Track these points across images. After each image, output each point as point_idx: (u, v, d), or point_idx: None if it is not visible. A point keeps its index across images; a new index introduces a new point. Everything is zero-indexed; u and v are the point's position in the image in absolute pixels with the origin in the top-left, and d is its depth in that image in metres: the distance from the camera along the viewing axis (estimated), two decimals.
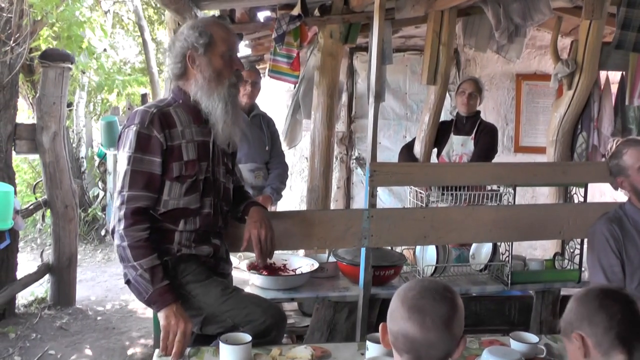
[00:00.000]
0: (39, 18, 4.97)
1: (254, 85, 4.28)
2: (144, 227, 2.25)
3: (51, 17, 5.09)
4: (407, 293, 1.54)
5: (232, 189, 2.67)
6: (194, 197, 2.38)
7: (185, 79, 2.42)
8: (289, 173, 4.52)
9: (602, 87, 4.47)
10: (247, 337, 2.10)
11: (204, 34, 2.35)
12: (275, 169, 4.35)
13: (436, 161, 4.69)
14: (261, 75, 4.50)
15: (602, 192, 5.47)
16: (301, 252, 4.17)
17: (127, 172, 2.27)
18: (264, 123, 4.38)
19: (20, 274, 5.14)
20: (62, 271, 5.45)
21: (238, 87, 2.48)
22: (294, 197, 6.57)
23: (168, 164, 2.32)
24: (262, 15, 5.35)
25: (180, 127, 2.36)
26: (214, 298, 2.31)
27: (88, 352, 4.52)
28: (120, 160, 2.32)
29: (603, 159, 4.36)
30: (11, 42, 4.78)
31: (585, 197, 3.37)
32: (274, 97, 6.59)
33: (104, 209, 8.68)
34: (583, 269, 3.39)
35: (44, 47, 5.59)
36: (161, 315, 2.19)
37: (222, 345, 2.04)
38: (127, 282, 2.35)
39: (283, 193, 4.41)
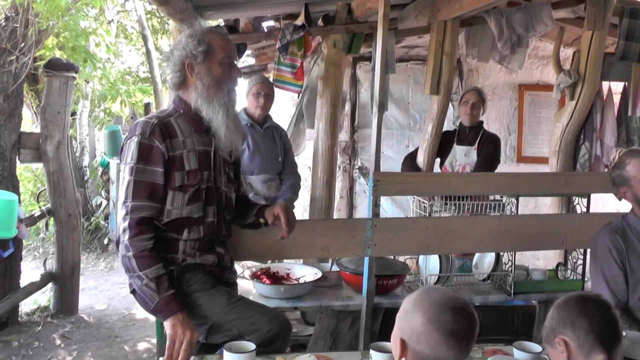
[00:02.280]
0: (44, 28, 4.99)
1: (267, 97, 4.32)
2: (149, 237, 2.26)
3: (57, 27, 5.11)
4: (439, 317, 1.54)
5: (239, 199, 2.69)
6: (196, 206, 2.39)
7: (185, 87, 2.45)
8: (300, 183, 4.55)
9: (604, 97, 4.48)
10: (251, 346, 2.10)
11: (202, 42, 2.38)
12: (287, 179, 4.39)
13: (439, 171, 4.70)
14: (275, 87, 4.53)
15: (605, 203, 5.48)
16: (300, 261, 4.18)
17: (130, 182, 2.29)
18: (276, 134, 4.42)
19: (23, 282, 5.15)
20: (65, 280, 5.46)
21: (235, 92, 2.49)
22: (296, 207, 6.57)
23: (170, 174, 2.34)
24: (266, 25, 5.39)
25: (182, 137, 2.38)
26: (219, 307, 2.32)
27: None
28: (122, 171, 2.34)
29: (606, 170, 4.36)
30: (16, 51, 4.81)
31: (587, 207, 3.38)
32: (278, 107, 6.60)
33: (106, 218, 8.69)
34: (586, 279, 3.39)
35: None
36: (167, 324, 2.19)
37: (226, 354, 2.04)
38: (133, 291, 2.36)
39: (295, 203, 4.43)
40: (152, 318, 4.83)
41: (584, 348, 1.70)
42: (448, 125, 5.09)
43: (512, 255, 3.36)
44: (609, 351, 1.70)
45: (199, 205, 2.40)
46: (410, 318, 1.59)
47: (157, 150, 2.30)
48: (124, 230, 2.25)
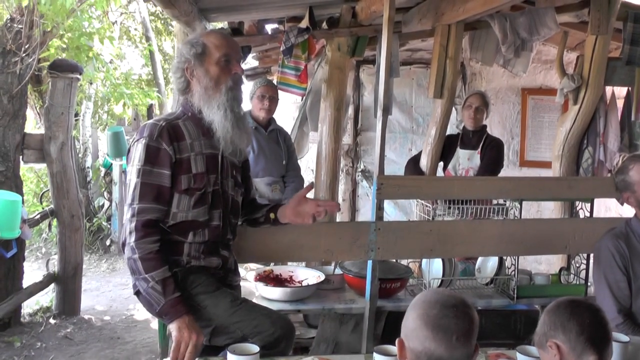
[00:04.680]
0: (49, 29, 5.00)
1: (271, 100, 4.33)
2: (155, 240, 2.26)
3: (61, 28, 5.12)
4: (428, 312, 1.56)
5: (248, 201, 2.71)
6: (202, 209, 2.39)
7: (189, 92, 2.46)
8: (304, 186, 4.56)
9: (608, 102, 4.48)
10: (255, 348, 2.10)
11: (197, 45, 2.40)
12: (291, 182, 4.40)
13: (442, 175, 4.70)
14: (278, 90, 4.54)
15: (608, 207, 5.48)
16: (302, 264, 4.18)
17: (137, 184, 2.29)
18: (280, 137, 4.44)
19: (25, 283, 5.17)
20: (67, 280, 5.47)
21: (238, 90, 2.48)
22: None
23: (177, 177, 2.34)
24: (270, 28, 5.40)
25: (189, 140, 2.39)
26: (223, 309, 2.32)
27: None
28: (129, 173, 2.35)
29: (609, 174, 4.36)
30: (21, 52, 4.82)
31: (591, 212, 3.38)
32: (281, 109, 6.61)
33: (109, 219, 8.71)
34: (589, 284, 3.39)
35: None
36: (173, 327, 2.19)
37: (230, 356, 2.04)
38: (137, 293, 2.36)
39: None
40: (154, 320, 4.86)
41: (576, 350, 1.74)
42: (451, 129, 5.09)
43: (515, 260, 3.36)
44: (600, 352, 1.73)
45: (205, 209, 2.40)
46: (406, 317, 1.62)
47: (164, 152, 2.30)
48: (131, 233, 2.25)
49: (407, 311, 1.63)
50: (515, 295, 3.33)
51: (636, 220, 2.82)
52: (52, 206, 5.45)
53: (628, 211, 2.97)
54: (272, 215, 2.69)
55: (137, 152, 2.31)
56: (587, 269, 3.41)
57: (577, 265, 3.54)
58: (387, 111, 3.06)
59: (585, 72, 4.23)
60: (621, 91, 4.70)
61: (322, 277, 3.34)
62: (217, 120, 2.39)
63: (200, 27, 4.24)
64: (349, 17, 4.67)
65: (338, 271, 3.49)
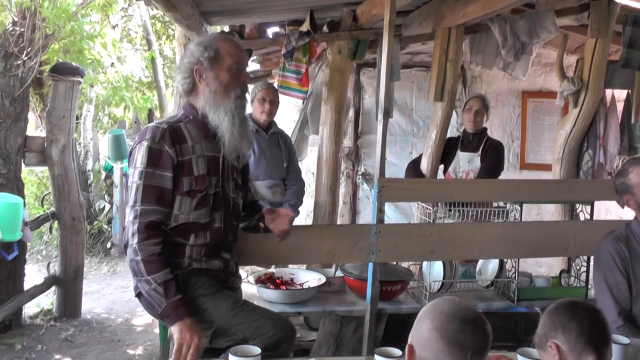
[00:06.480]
0: (51, 32, 5.02)
1: (272, 103, 4.35)
2: (157, 242, 2.27)
3: (63, 32, 5.13)
4: (445, 325, 1.54)
5: (247, 204, 2.72)
6: (203, 211, 2.40)
7: (194, 94, 2.46)
8: (304, 189, 4.58)
9: (607, 105, 4.50)
10: (256, 350, 2.11)
11: (210, 49, 2.40)
12: (292, 185, 4.42)
13: (443, 177, 4.71)
14: (279, 93, 4.56)
15: (608, 210, 5.48)
16: (303, 266, 4.19)
17: (139, 186, 2.30)
18: (281, 140, 4.46)
19: (26, 285, 5.17)
20: (68, 283, 5.47)
21: (244, 99, 2.51)
22: (300, 212, 6.56)
23: (179, 179, 2.35)
24: (271, 31, 5.41)
25: (191, 143, 2.39)
26: (224, 311, 2.33)
27: None
28: (131, 175, 2.35)
29: (609, 177, 4.37)
30: (23, 55, 4.83)
31: (591, 214, 3.39)
32: (282, 112, 6.62)
33: (110, 222, 8.70)
34: (589, 286, 3.40)
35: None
36: (175, 329, 2.20)
37: (231, 358, 2.04)
38: (138, 295, 2.37)
39: (299, 209, 4.47)
40: (155, 322, 4.86)
41: (575, 350, 1.76)
42: (452, 132, 5.10)
43: (515, 262, 3.37)
44: (599, 353, 1.76)
45: (206, 211, 2.41)
46: (420, 325, 1.60)
47: (166, 155, 2.31)
48: (133, 234, 2.26)
49: (420, 317, 1.61)
50: (515, 298, 3.35)
51: (636, 223, 2.83)
52: (53, 209, 5.46)
53: (628, 214, 2.98)
54: (261, 225, 2.74)
55: (139, 154, 2.32)
56: (587, 272, 3.43)
57: (578, 267, 3.55)
58: (387, 114, 3.07)
59: (585, 75, 4.24)
60: (621, 94, 4.72)
61: (323, 280, 3.35)
62: (224, 126, 2.40)
63: (203, 30, 4.26)
64: (349, 20, 4.68)
65: (339, 274, 3.50)
